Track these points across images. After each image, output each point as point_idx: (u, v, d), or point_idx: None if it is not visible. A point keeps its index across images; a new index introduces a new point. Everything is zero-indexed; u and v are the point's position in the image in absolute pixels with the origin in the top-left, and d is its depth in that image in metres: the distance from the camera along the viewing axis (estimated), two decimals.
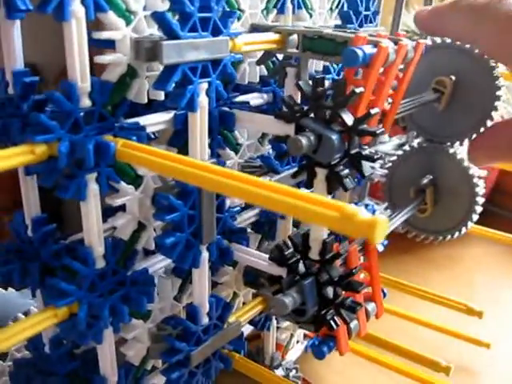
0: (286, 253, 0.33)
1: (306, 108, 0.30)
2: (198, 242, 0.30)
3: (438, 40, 0.40)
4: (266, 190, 0.22)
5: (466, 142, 0.42)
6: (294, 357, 0.50)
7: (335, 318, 0.33)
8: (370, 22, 0.38)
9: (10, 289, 0.45)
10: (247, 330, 0.46)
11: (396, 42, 0.29)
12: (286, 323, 0.48)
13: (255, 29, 0.34)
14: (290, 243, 0.33)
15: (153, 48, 0.26)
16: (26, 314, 0.44)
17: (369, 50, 0.27)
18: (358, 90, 0.28)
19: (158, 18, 0.25)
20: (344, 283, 0.32)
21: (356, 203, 0.50)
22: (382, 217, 0.20)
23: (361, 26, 0.37)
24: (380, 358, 0.51)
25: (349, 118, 0.28)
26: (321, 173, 0.30)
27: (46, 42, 0.43)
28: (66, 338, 0.32)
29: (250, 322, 0.42)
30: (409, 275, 0.64)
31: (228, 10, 0.28)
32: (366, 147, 0.31)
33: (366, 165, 0.29)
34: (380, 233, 0.20)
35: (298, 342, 0.51)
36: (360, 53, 0.26)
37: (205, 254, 0.31)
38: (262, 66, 0.38)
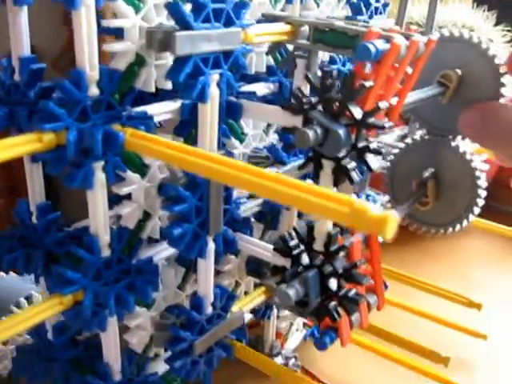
0: (291, 244, 0.33)
1: (314, 100, 0.30)
2: (204, 232, 0.30)
3: (446, 33, 0.40)
4: (276, 184, 0.21)
5: None
6: (293, 345, 0.51)
7: (338, 309, 0.33)
8: (380, 13, 0.38)
9: (11, 273, 0.46)
10: (246, 318, 0.46)
11: (408, 38, 0.28)
12: (286, 312, 0.48)
13: (266, 19, 0.33)
14: (294, 234, 0.33)
15: (166, 39, 0.25)
16: (28, 298, 0.44)
17: (381, 45, 0.27)
18: (367, 84, 0.28)
19: (172, 8, 0.25)
20: (348, 275, 0.32)
21: (357, 194, 0.50)
22: (393, 212, 0.20)
23: (371, 17, 0.37)
24: (379, 348, 0.51)
25: (357, 112, 0.28)
26: (327, 165, 0.30)
27: (45, 24, 0.43)
28: (71, 325, 0.32)
29: (251, 311, 0.42)
30: (408, 265, 0.64)
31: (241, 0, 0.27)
32: (371, 139, 0.31)
33: (372, 158, 0.29)
34: (391, 228, 0.20)
35: (297, 330, 0.51)
36: (373, 48, 0.26)
37: (211, 245, 0.31)
38: (269, 56, 0.38)
